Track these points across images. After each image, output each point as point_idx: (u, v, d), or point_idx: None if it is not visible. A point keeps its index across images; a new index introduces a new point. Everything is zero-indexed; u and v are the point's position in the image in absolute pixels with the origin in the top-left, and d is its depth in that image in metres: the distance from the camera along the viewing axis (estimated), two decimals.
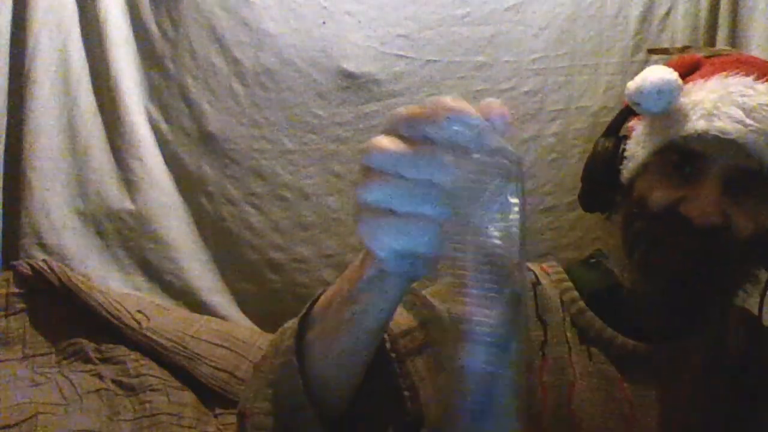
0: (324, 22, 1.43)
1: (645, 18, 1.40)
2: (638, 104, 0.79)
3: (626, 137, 0.86)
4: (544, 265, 0.91)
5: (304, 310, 0.60)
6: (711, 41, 1.38)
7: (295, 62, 1.43)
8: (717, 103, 0.74)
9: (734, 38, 1.37)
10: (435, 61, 1.42)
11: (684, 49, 0.94)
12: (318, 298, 0.60)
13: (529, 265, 0.89)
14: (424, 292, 0.83)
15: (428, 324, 0.77)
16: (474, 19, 1.42)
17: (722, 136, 0.73)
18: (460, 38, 1.42)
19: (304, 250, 1.43)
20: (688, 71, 0.82)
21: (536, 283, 0.86)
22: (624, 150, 0.84)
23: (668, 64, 0.83)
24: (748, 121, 0.73)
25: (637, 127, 0.83)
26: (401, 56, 1.42)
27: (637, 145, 0.82)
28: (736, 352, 0.83)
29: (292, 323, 0.61)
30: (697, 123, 0.74)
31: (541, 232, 1.38)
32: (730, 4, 1.38)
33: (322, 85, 1.42)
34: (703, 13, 1.40)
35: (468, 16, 1.42)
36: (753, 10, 1.35)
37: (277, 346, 0.61)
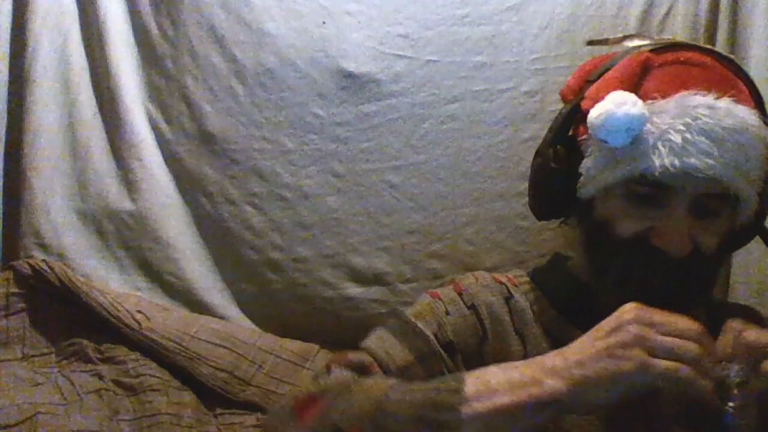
0: (324, 22, 1.43)
1: (645, 18, 1.40)
2: (605, 141, 0.76)
3: (577, 141, 0.82)
4: (509, 275, 0.89)
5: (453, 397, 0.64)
6: (711, 41, 1.38)
7: (295, 62, 1.43)
8: (685, 135, 0.73)
9: (734, 38, 1.37)
10: (435, 61, 1.42)
11: (623, 38, 0.91)
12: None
13: (498, 276, 0.89)
14: (408, 313, 0.82)
15: (426, 359, 0.78)
16: (474, 19, 1.42)
17: (694, 173, 0.72)
18: (460, 38, 1.42)
19: (304, 250, 1.43)
20: (638, 77, 0.79)
21: (509, 297, 0.85)
22: (578, 159, 0.81)
23: (616, 70, 0.80)
24: (717, 153, 0.72)
25: (591, 144, 0.79)
26: (401, 56, 1.42)
27: (596, 167, 0.79)
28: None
29: (418, 401, 0.65)
30: (667, 159, 0.73)
31: (541, 232, 1.38)
32: (730, 4, 1.38)
33: (322, 85, 1.42)
34: (703, 13, 1.40)
35: (468, 16, 1.42)
36: (753, 10, 1.34)
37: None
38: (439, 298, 0.84)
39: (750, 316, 0.90)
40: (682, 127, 0.73)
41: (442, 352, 0.78)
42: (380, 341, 0.79)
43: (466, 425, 0.62)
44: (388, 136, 1.42)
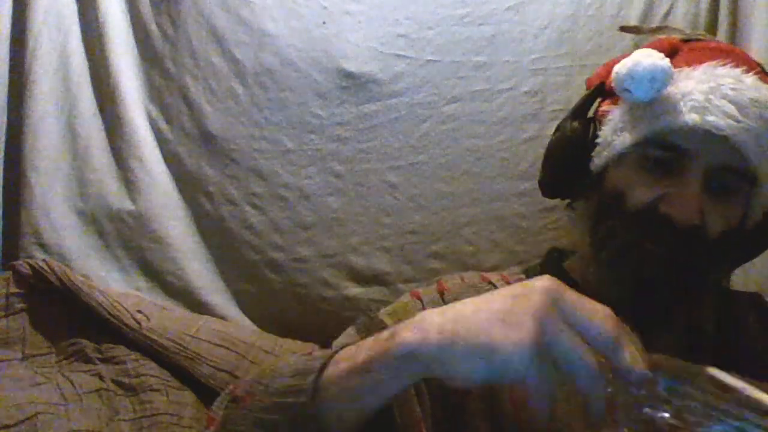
0: (324, 22, 1.43)
1: (645, 18, 1.40)
2: (628, 91, 0.74)
3: (597, 120, 0.82)
4: (504, 274, 0.88)
5: (322, 361, 0.59)
6: None
7: (295, 62, 1.43)
8: (708, 96, 0.72)
9: (734, 38, 1.37)
10: (435, 61, 1.42)
11: (656, 29, 0.90)
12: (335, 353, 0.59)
13: (490, 276, 0.87)
14: (381, 312, 0.82)
15: None
16: (474, 19, 1.42)
17: (715, 132, 0.71)
18: (460, 38, 1.42)
19: (304, 250, 1.43)
20: (667, 55, 0.78)
21: None
22: (595, 135, 0.80)
23: (647, 47, 0.81)
24: (740, 117, 0.71)
25: (613, 112, 0.79)
26: (401, 56, 1.42)
27: (614, 132, 0.77)
28: (711, 342, 0.81)
29: (296, 364, 0.60)
30: (687, 116, 0.71)
31: (541, 232, 1.38)
32: (730, 4, 1.38)
33: (322, 85, 1.42)
34: (703, 13, 1.40)
35: (468, 16, 1.42)
36: (753, 10, 1.34)
37: (274, 385, 0.59)
38: (419, 298, 0.83)
39: (760, 304, 0.89)
40: (706, 89, 0.72)
41: None
42: (345, 338, 0.79)
43: (321, 390, 0.55)
44: (388, 136, 1.42)
